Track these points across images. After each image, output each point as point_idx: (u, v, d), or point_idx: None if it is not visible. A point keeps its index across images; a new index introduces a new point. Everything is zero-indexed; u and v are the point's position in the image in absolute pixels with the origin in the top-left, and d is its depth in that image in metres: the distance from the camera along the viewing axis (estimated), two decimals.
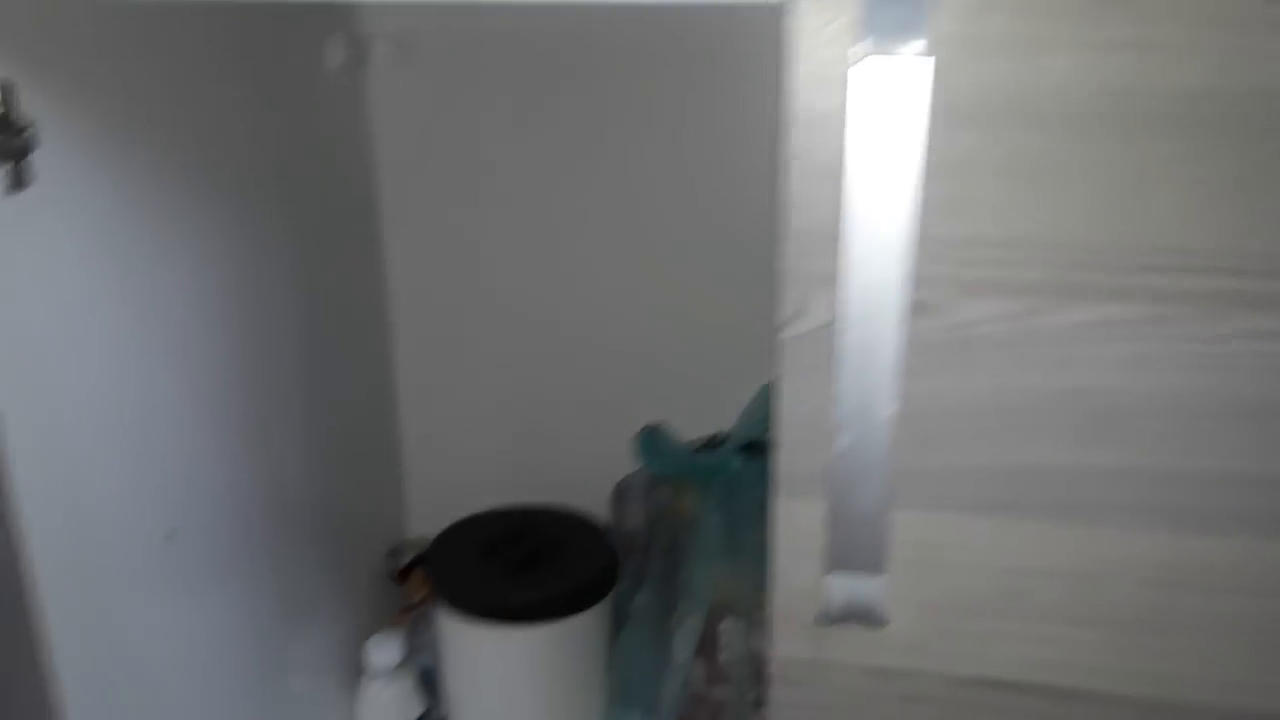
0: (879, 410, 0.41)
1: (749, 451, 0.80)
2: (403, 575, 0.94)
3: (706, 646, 0.76)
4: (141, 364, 0.57)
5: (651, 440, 0.75)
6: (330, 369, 0.82)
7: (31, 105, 0.46)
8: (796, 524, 0.45)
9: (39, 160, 0.47)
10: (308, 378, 0.78)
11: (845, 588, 0.44)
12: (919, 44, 0.37)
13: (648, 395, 0.90)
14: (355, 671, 0.84)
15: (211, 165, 0.64)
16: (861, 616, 0.45)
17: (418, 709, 0.83)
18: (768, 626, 0.47)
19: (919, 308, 0.40)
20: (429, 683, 0.86)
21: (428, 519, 0.95)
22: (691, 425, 0.84)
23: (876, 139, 0.38)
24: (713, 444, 0.83)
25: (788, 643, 0.47)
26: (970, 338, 0.40)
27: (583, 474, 0.90)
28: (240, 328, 0.68)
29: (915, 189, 0.39)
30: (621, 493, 0.85)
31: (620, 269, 0.91)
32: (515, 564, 0.80)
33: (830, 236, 0.40)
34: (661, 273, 0.90)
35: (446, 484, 0.98)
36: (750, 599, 0.76)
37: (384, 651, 0.82)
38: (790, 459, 0.44)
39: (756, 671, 0.76)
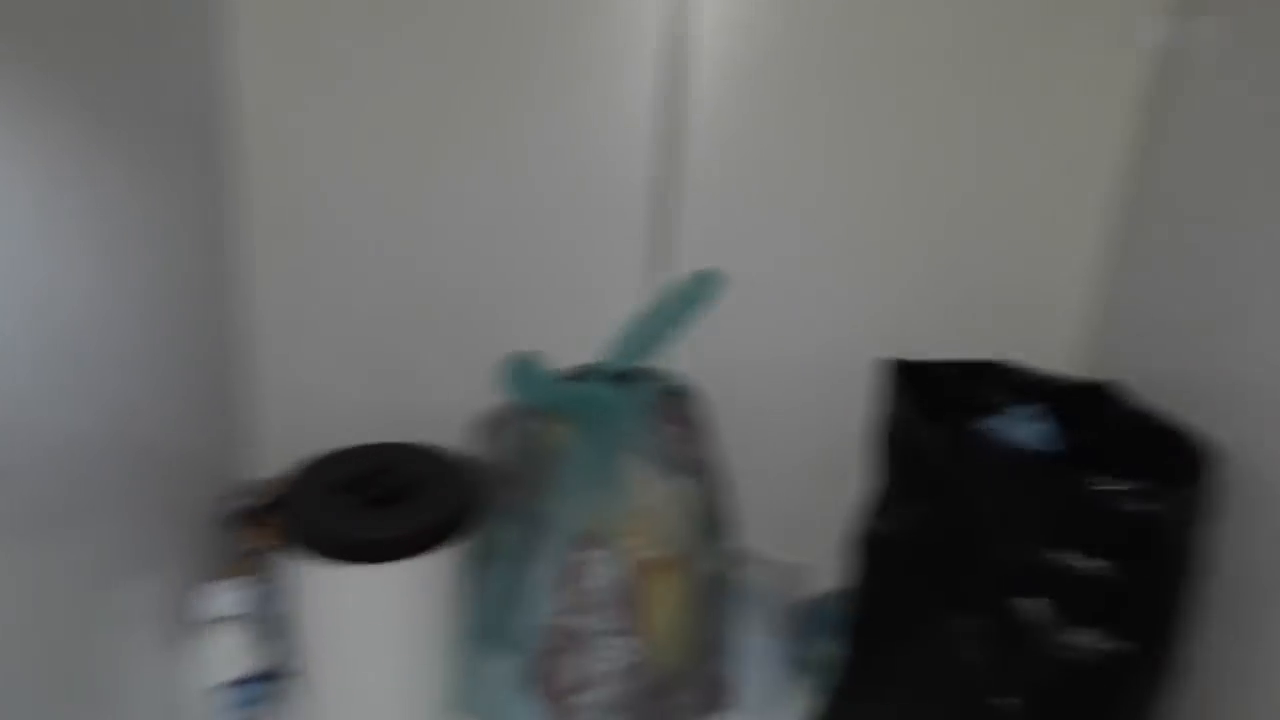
0: None
1: (620, 381, 0.80)
2: (243, 520, 0.88)
3: (571, 577, 0.76)
4: None
5: (520, 370, 0.73)
6: (173, 303, 0.75)
7: None
8: None
9: None
10: (149, 311, 0.71)
11: None
12: None
13: (512, 327, 0.88)
14: (191, 624, 0.78)
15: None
16: None
17: (261, 662, 0.78)
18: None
19: None
20: (275, 633, 0.81)
21: (276, 462, 0.89)
22: (557, 357, 0.82)
23: None
24: (582, 375, 0.82)
25: None
26: None
27: (445, 410, 0.87)
28: (76, 249, 0.60)
29: None
30: (487, 426, 0.83)
31: (483, 199, 0.88)
32: (371, 501, 0.76)
33: None
34: (525, 202, 0.88)
35: (298, 425, 0.92)
36: (617, 528, 0.76)
37: (215, 602, 0.77)
38: None
39: (623, 598, 0.76)
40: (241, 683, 0.77)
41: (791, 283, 0.90)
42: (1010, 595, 0.57)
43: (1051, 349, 0.85)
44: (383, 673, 0.78)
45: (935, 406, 0.66)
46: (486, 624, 0.79)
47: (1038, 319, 0.89)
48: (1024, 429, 0.72)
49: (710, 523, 0.80)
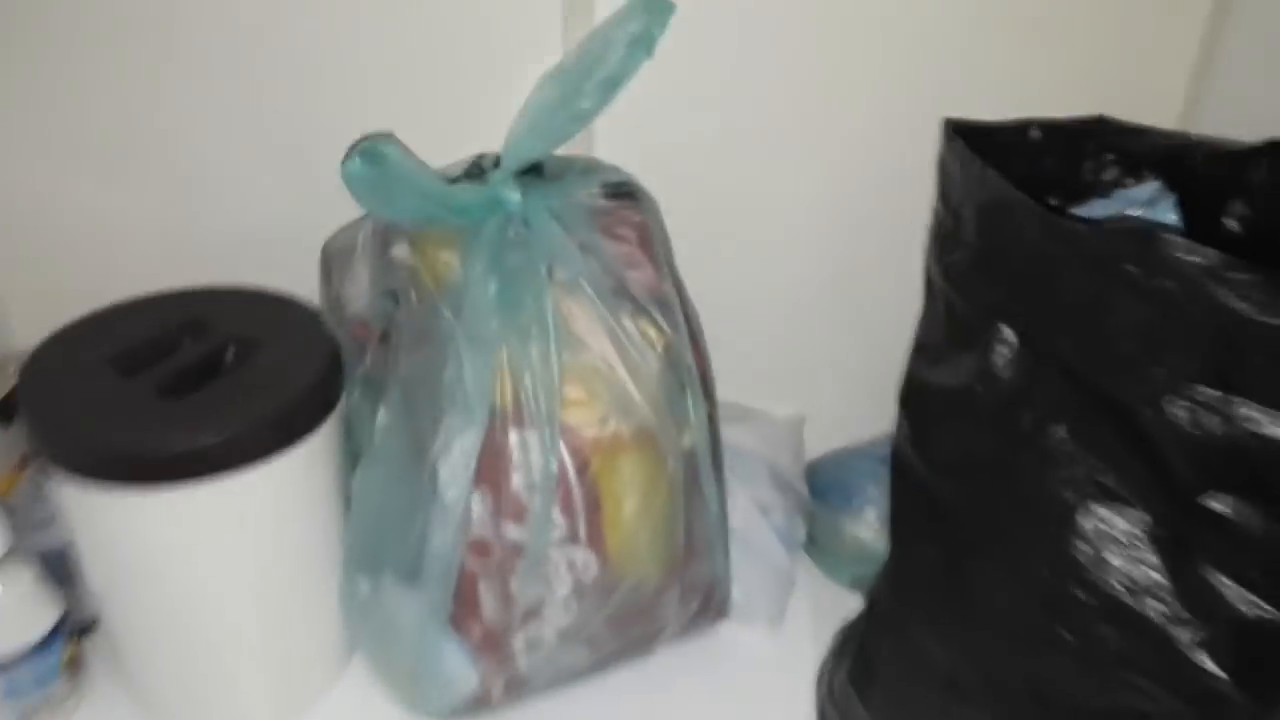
0: None
1: (531, 178, 0.55)
2: (5, 413, 0.63)
3: (488, 472, 0.53)
4: None
5: (375, 163, 0.46)
6: None
7: None
8: None
9: None
10: None
11: None
12: None
13: (370, 110, 0.61)
14: None
15: None
16: None
17: (50, 612, 0.55)
18: None
19: None
20: (62, 570, 0.57)
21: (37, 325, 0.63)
22: (437, 150, 0.57)
23: None
24: (474, 172, 0.57)
25: None
26: None
27: (273, 238, 0.61)
28: None
29: None
30: (334, 257, 0.58)
31: None
32: (171, 384, 0.51)
33: None
34: None
35: (56, 279, 0.66)
36: (547, 397, 0.52)
37: None
38: None
39: (565, 495, 0.54)
40: (19, 657, 0.53)
41: (787, 14, 0.63)
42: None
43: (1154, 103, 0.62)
44: (218, 631, 0.54)
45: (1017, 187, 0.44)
46: (370, 546, 0.57)
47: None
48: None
49: (681, 378, 0.57)
